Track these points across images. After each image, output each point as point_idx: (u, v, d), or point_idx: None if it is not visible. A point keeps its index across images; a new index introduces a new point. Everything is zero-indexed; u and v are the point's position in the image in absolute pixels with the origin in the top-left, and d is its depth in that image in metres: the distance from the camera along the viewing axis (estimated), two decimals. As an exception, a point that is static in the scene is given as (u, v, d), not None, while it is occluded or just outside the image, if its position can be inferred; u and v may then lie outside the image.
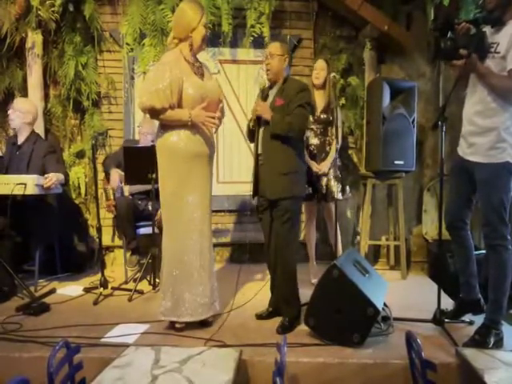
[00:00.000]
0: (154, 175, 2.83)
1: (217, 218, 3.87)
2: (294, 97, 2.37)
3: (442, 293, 2.36)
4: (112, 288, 3.04)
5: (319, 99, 3.22)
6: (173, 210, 2.31)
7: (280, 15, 3.84)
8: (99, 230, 3.04)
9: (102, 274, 2.99)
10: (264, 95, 2.53)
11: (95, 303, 2.79)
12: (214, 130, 2.36)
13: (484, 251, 2.43)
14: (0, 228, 2.83)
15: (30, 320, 2.47)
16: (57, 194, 3.20)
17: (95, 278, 3.24)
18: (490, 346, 2.06)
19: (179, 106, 2.25)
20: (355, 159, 4.02)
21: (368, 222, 3.66)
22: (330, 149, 3.20)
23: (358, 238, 3.89)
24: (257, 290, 2.88)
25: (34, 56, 3.61)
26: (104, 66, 3.84)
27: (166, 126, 2.30)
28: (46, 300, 2.77)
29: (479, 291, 2.39)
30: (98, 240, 3.17)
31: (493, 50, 2.07)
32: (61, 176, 3.10)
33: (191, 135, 2.28)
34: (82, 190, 3.82)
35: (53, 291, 3.01)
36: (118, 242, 3.85)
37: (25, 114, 3.20)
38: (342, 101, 3.87)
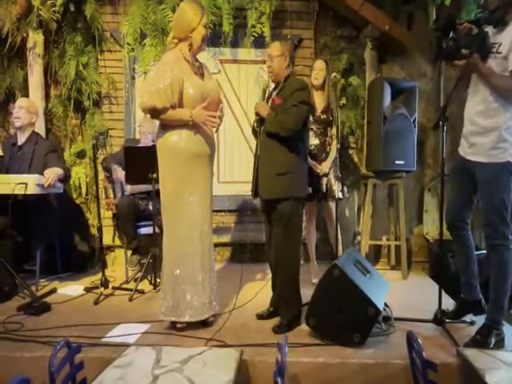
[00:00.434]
0: (154, 175, 2.83)
1: (218, 217, 3.87)
2: (290, 96, 2.34)
3: (443, 293, 2.36)
4: (113, 288, 3.04)
5: (319, 99, 3.21)
6: (173, 210, 2.31)
7: (281, 15, 3.84)
8: (100, 229, 3.04)
9: (103, 274, 2.99)
10: (268, 95, 2.52)
11: (96, 303, 2.79)
12: (214, 129, 2.36)
13: (485, 251, 2.43)
14: (1, 228, 2.83)
15: (31, 320, 2.47)
16: (58, 193, 3.20)
17: (96, 278, 3.25)
18: (491, 346, 2.05)
19: (180, 105, 2.25)
20: (356, 159, 4.02)
21: (369, 221, 3.66)
22: (330, 149, 3.20)
23: (359, 237, 3.89)
24: (257, 290, 2.88)
25: (34, 56, 3.62)
26: (105, 66, 3.85)
27: (166, 126, 2.30)
28: (47, 300, 2.78)
29: (480, 291, 2.39)
30: (98, 240, 3.17)
31: (495, 50, 2.07)
32: (59, 171, 3.07)
33: (192, 135, 2.28)
34: (83, 190, 3.83)
35: (54, 291, 3.01)
36: (118, 241, 3.85)
37: (32, 113, 3.20)
38: (343, 101, 3.87)
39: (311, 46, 3.92)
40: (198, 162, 2.32)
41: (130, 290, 2.95)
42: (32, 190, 2.82)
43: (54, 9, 3.49)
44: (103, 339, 2.20)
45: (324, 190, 3.15)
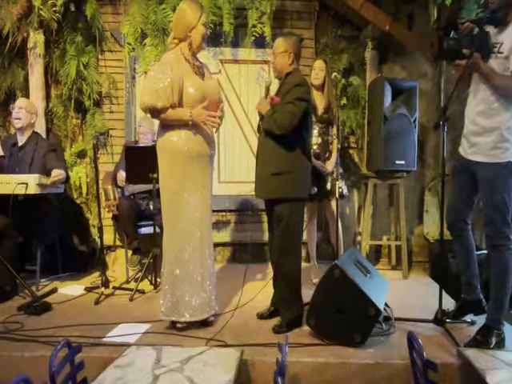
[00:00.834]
0: (155, 175, 2.83)
1: (218, 217, 3.88)
2: (287, 93, 2.30)
3: (444, 293, 2.36)
4: (113, 288, 3.04)
5: (319, 99, 3.22)
6: (173, 210, 2.31)
7: (281, 15, 3.84)
8: (100, 229, 3.05)
9: (104, 274, 2.99)
10: (270, 93, 2.47)
11: (96, 303, 2.79)
12: (214, 129, 2.36)
13: (485, 251, 2.42)
14: (2, 228, 2.83)
15: (32, 319, 2.47)
16: (58, 193, 3.20)
17: (96, 278, 3.25)
18: (492, 346, 2.05)
19: (180, 105, 2.25)
20: (356, 159, 4.02)
21: (369, 221, 3.66)
22: (333, 148, 3.20)
23: (359, 237, 3.89)
24: (258, 290, 2.88)
25: (35, 56, 3.62)
26: (105, 66, 3.85)
27: (166, 126, 2.30)
28: (48, 299, 2.78)
29: (481, 291, 2.38)
30: (99, 240, 3.17)
31: (496, 49, 2.07)
32: (62, 173, 3.07)
33: (192, 135, 2.28)
34: (84, 190, 3.83)
35: (54, 291, 3.01)
36: (119, 241, 3.85)
37: (32, 113, 3.20)
38: (344, 101, 3.87)
39: (312, 45, 3.92)
40: (199, 162, 2.32)
41: (131, 289, 2.95)
42: (32, 189, 2.82)
43: (54, 9, 3.49)
44: (104, 339, 2.20)
45: (328, 188, 3.15)
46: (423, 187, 3.95)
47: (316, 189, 3.10)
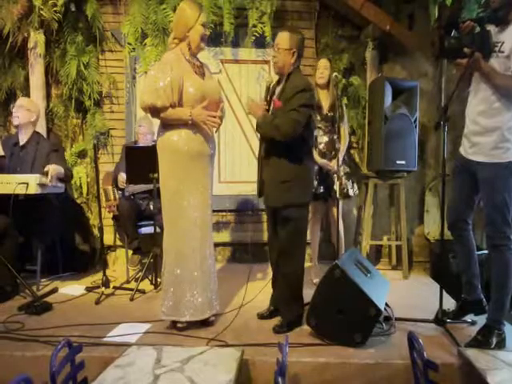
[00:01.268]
0: (155, 175, 2.83)
1: (218, 217, 3.87)
2: (290, 98, 2.23)
3: (444, 293, 2.35)
4: (114, 287, 3.05)
5: (324, 98, 3.22)
6: (174, 210, 2.31)
7: (282, 15, 3.83)
8: (101, 229, 3.05)
9: (104, 274, 3.00)
10: (271, 92, 2.44)
11: (97, 303, 2.79)
12: (214, 129, 2.36)
13: (486, 251, 2.42)
14: (2, 228, 2.83)
15: (33, 319, 2.47)
16: (59, 193, 3.20)
17: (97, 278, 3.25)
18: (493, 346, 2.05)
19: (180, 105, 2.25)
20: (357, 159, 4.01)
21: (370, 221, 3.66)
22: (339, 146, 3.20)
23: (360, 237, 3.88)
24: (258, 290, 2.88)
25: (36, 56, 3.62)
26: (106, 66, 3.85)
27: (167, 125, 2.30)
28: (48, 299, 2.78)
29: (481, 291, 2.38)
30: (99, 239, 3.17)
31: (497, 49, 2.06)
32: (59, 168, 3.04)
33: (192, 134, 2.28)
34: (84, 190, 3.83)
35: (55, 290, 3.01)
36: (119, 241, 3.85)
37: (31, 112, 3.20)
38: (344, 100, 3.85)
39: (312, 45, 3.91)
40: (199, 162, 2.32)
41: (131, 289, 2.96)
42: (33, 189, 2.82)
43: (55, 9, 3.49)
44: (104, 339, 2.20)
45: (336, 187, 3.14)
46: (424, 187, 3.95)
47: (322, 188, 3.09)
